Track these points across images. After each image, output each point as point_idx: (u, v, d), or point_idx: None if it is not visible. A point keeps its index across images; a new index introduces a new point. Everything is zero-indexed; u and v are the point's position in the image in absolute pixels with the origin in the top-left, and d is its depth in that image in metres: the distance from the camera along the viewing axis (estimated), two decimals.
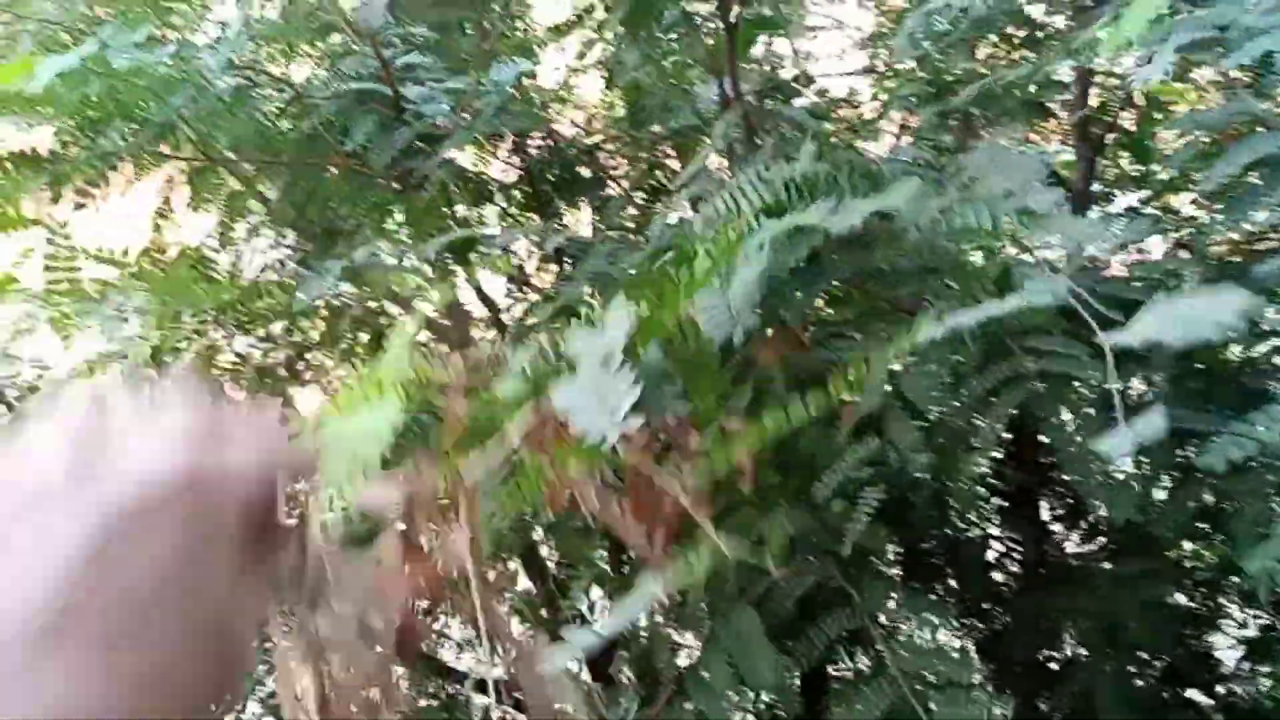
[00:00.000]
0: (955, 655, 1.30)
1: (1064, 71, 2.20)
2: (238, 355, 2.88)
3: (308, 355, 2.95)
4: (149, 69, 0.98)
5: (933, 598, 2.06)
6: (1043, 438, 2.01)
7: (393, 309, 2.58)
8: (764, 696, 1.58)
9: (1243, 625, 2.28)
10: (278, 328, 2.84)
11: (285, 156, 1.49)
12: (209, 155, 1.35)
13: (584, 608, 2.04)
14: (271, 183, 1.80)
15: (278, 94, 1.49)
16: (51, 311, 1.01)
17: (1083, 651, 2.12)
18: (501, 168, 2.05)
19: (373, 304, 2.57)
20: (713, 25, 1.33)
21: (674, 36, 1.46)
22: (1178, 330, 0.50)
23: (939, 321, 0.65)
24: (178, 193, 2.40)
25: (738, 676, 1.25)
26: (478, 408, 0.60)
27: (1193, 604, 2.25)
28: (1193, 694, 2.21)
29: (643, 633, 1.69)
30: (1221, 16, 1.03)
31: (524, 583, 2.35)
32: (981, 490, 1.84)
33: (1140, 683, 2.10)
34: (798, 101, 1.64)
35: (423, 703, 2.45)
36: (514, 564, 2.36)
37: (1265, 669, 2.25)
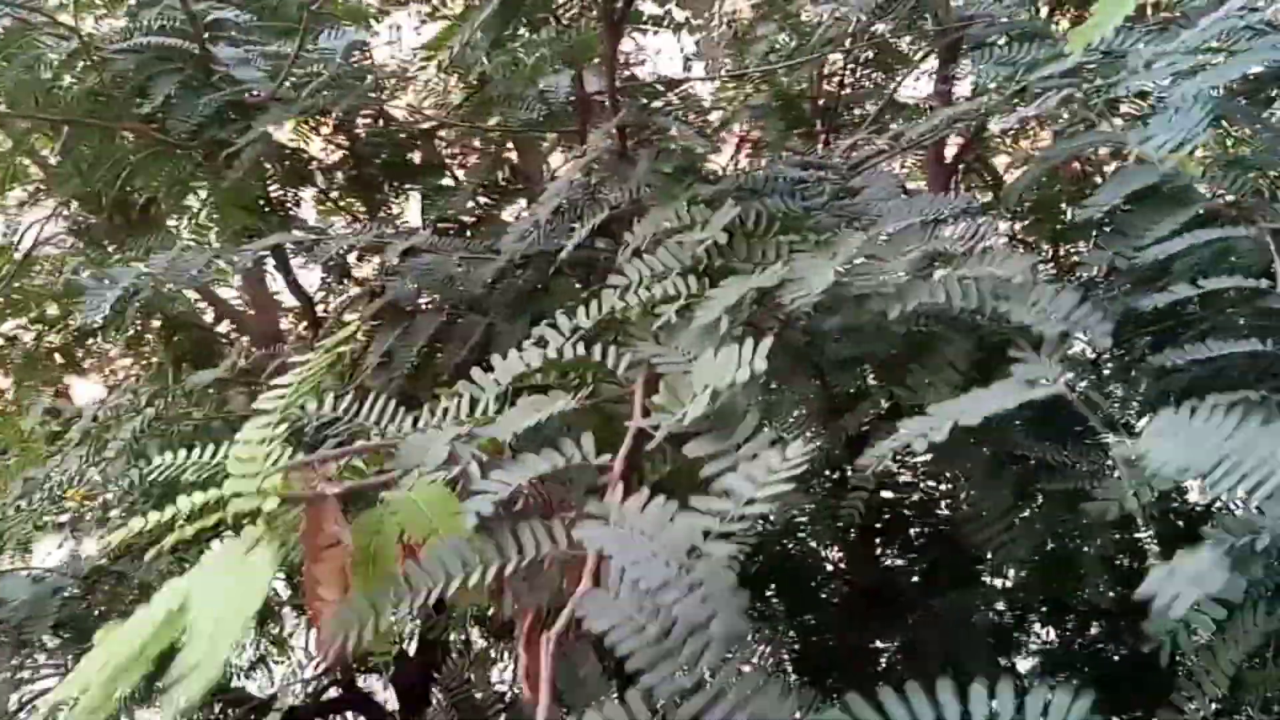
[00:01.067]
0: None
1: (908, 95, 2.24)
2: (5, 338, 2.59)
3: (89, 341, 2.67)
4: None
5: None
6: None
7: (190, 294, 2.35)
8: None
9: (1047, 643, 2.37)
10: (54, 310, 2.56)
11: (67, 114, 1.28)
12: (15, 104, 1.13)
13: None
14: (56, 145, 1.56)
15: (63, 42, 1.28)
16: None
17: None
18: (322, 146, 1.88)
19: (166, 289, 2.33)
20: (582, 19, 1.23)
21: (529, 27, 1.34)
22: None
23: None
24: None
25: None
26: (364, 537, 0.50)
27: (1000, 623, 2.32)
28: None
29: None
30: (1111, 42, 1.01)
31: None
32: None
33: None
34: (655, 104, 1.56)
35: None
36: None
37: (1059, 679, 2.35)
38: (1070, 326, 0.70)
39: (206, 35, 1.33)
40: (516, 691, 1.78)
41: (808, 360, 1.07)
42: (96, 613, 1.83)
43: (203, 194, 1.54)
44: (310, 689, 2.49)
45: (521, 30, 1.41)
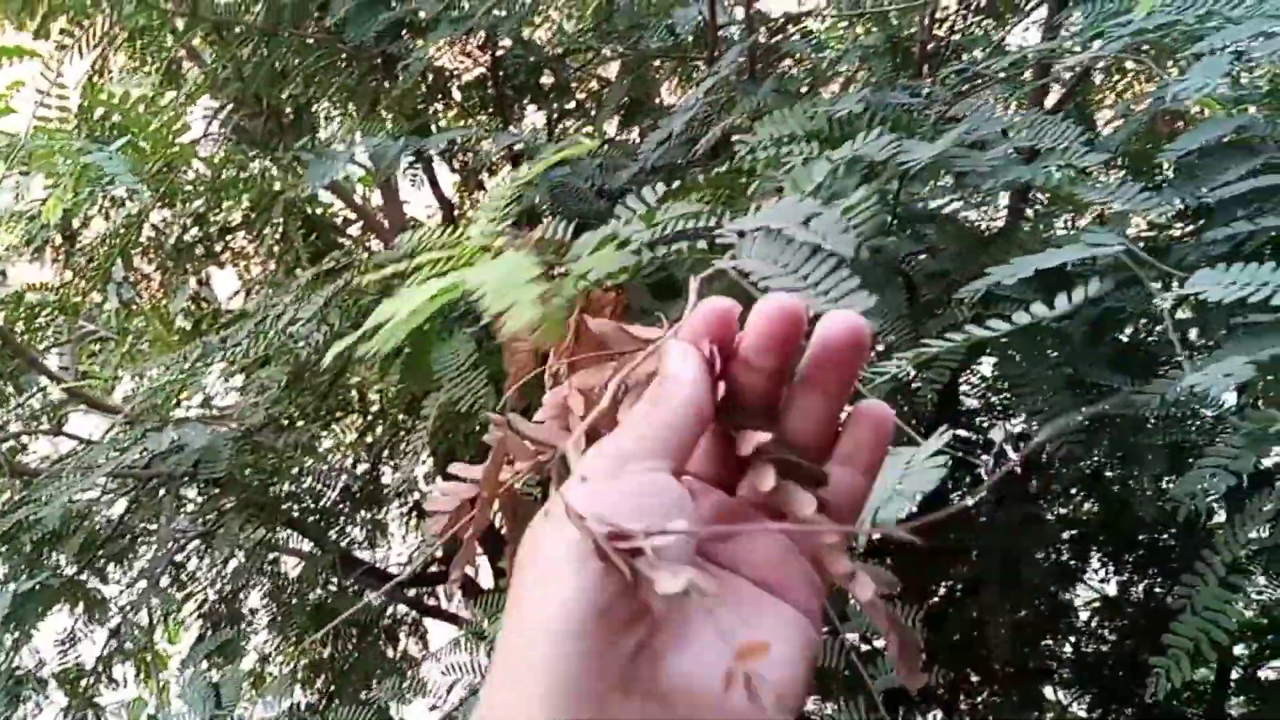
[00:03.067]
0: None
1: (1016, 42, 2.30)
2: (155, 229, 2.79)
3: (228, 237, 2.87)
4: None
5: None
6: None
7: (326, 196, 2.55)
8: None
9: (1104, 581, 2.47)
10: (199, 204, 2.76)
11: (257, 22, 1.45)
12: (196, 12, 1.30)
13: None
14: (224, 51, 1.74)
15: None
16: (43, 150, 0.98)
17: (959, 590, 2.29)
18: (458, 63, 2.03)
19: (303, 191, 2.52)
20: None
21: None
22: None
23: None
24: (113, 53, 2.30)
25: None
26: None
27: (1061, 559, 2.41)
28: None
29: None
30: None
31: None
32: None
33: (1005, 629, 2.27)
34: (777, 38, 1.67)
35: None
36: None
37: (1112, 625, 2.45)
38: (1132, 206, 0.83)
39: None
40: None
41: (901, 274, 1.21)
42: (236, 473, 2.06)
43: (359, 103, 1.72)
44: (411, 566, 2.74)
45: None
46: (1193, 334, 1.79)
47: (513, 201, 0.82)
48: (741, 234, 0.65)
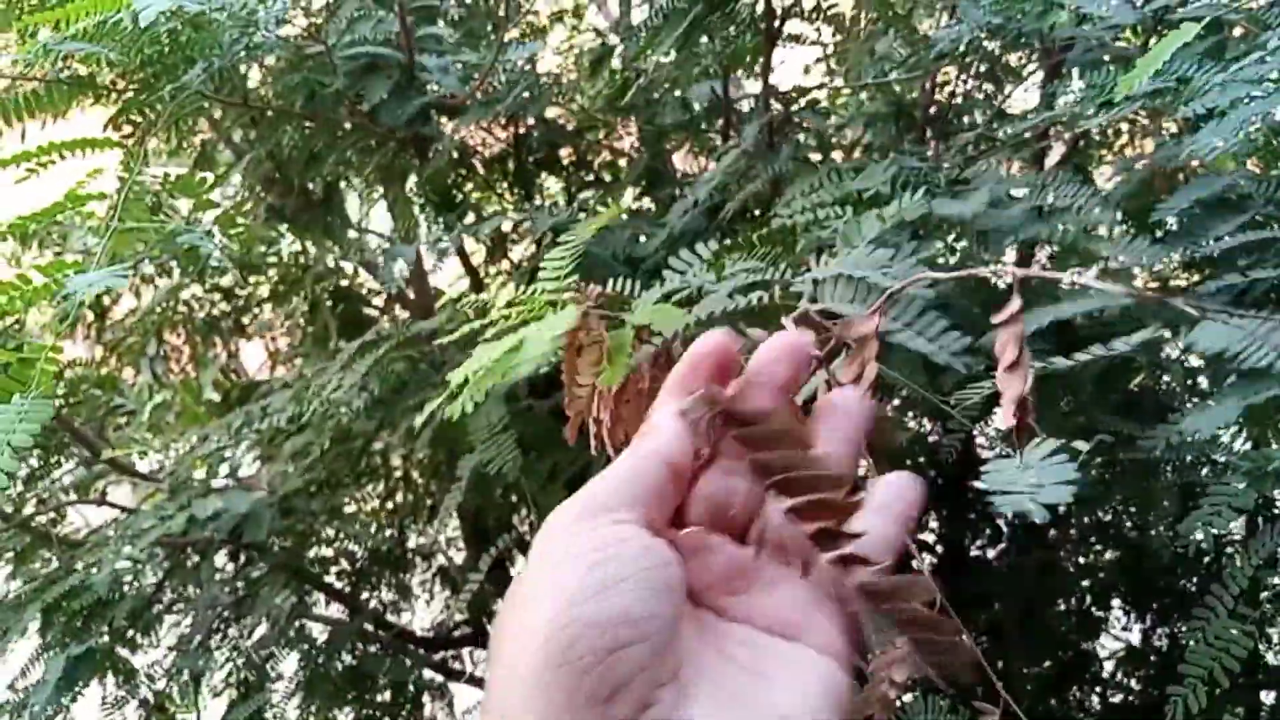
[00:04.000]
0: None
1: (1015, 105, 2.38)
2: (185, 304, 2.88)
3: (255, 310, 2.96)
4: (210, 14, 1.04)
5: None
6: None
7: (350, 267, 2.63)
8: None
9: (1125, 629, 2.48)
10: (227, 280, 2.85)
11: (297, 109, 1.54)
12: (247, 102, 1.39)
13: None
14: (262, 134, 1.84)
15: (295, 47, 1.54)
16: (123, 229, 1.05)
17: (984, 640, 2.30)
18: (481, 141, 2.12)
19: (332, 264, 2.61)
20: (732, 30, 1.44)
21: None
22: None
23: None
24: (151, 137, 2.41)
25: None
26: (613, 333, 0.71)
27: (1082, 607, 2.43)
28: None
29: None
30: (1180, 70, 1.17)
31: None
32: None
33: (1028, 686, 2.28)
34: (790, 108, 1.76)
35: None
36: None
37: (1137, 674, 2.46)
38: (1138, 257, 0.89)
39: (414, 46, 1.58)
40: None
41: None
42: (273, 543, 2.11)
43: (390, 182, 1.81)
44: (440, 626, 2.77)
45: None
46: (1203, 382, 1.85)
47: (575, 258, 0.89)
48: (817, 282, 0.72)
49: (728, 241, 0.94)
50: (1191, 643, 0.81)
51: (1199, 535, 0.79)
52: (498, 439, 1.27)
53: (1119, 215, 2.08)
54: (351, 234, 2.28)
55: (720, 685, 0.35)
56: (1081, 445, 0.89)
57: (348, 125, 1.56)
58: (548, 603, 0.35)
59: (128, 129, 1.20)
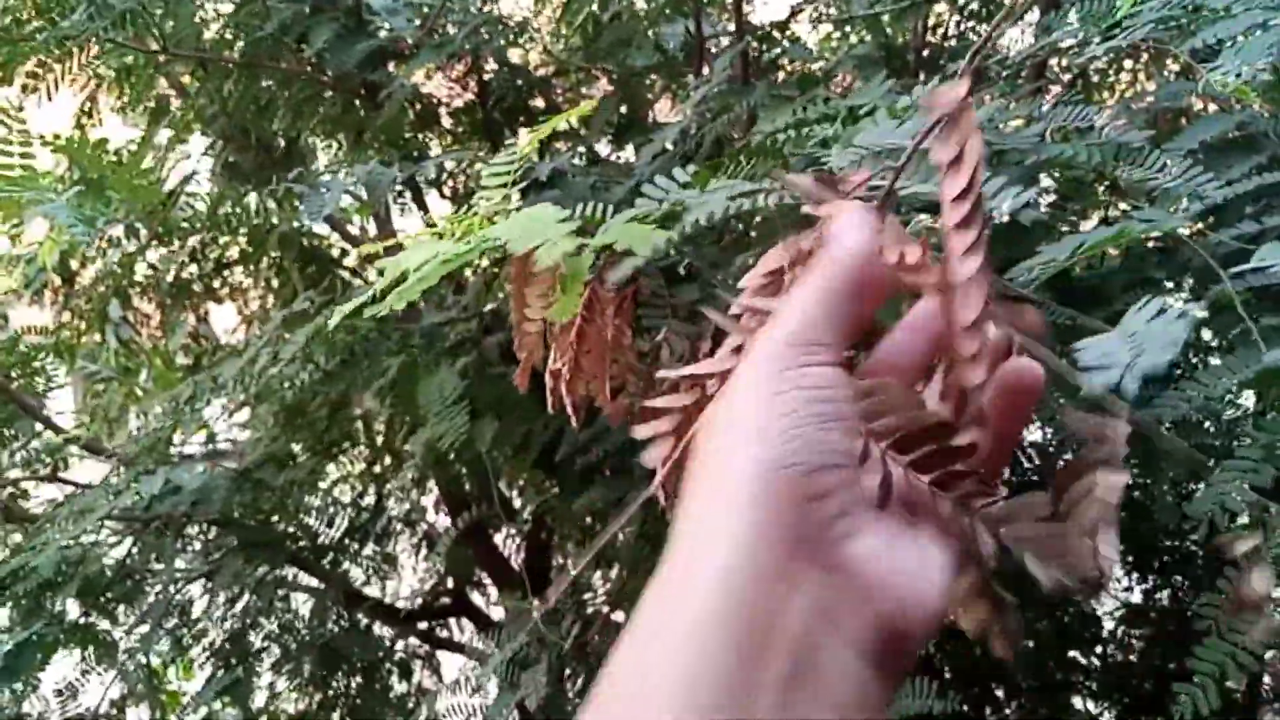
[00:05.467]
0: None
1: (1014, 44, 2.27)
2: (152, 267, 2.79)
3: (225, 273, 2.86)
4: None
5: None
6: None
7: (321, 228, 2.53)
8: None
9: (1127, 589, 2.42)
10: (195, 241, 2.75)
11: (237, 57, 1.43)
12: (167, 48, 1.29)
13: None
14: (208, 86, 1.73)
15: None
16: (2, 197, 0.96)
17: None
18: (448, 90, 2.01)
19: (299, 224, 2.50)
20: None
21: None
22: None
23: None
24: (102, 93, 2.30)
25: None
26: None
27: None
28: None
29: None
30: None
31: None
32: None
33: (1030, 642, 2.23)
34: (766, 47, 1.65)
35: None
36: None
37: (1137, 632, 2.41)
38: (1180, 184, 0.80)
39: None
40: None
41: None
42: (236, 513, 2.04)
43: (346, 134, 1.70)
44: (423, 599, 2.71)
45: None
46: (1205, 334, 1.76)
47: (521, 168, 0.79)
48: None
49: (709, 162, 0.84)
50: (1206, 634, 0.72)
51: (1208, 514, 0.71)
52: (450, 411, 1.18)
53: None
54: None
55: (884, 522, 0.39)
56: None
57: (293, 74, 1.45)
58: (772, 420, 0.38)
59: (33, 83, 1.09)
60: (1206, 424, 1.47)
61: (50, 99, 1.11)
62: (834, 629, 0.36)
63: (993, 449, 0.42)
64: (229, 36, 1.57)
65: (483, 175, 0.81)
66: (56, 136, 1.07)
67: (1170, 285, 1.60)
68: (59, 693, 1.93)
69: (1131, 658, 2.41)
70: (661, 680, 0.34)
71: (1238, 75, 0.80)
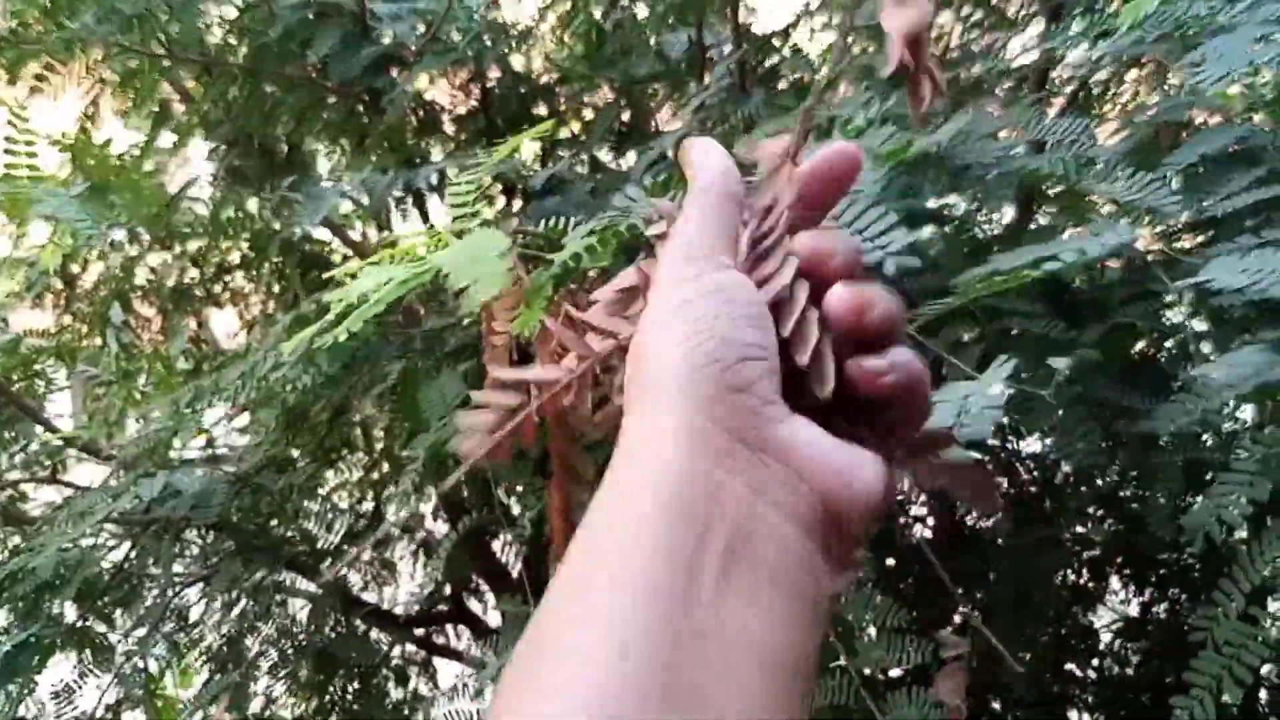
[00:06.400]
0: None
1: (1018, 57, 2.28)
2: (153, 271, 2.79)
3: (227, 277, 2.86)
4: None
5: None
6: None
7: (323, 233, 2.53)
8: None
9: (1124, 602, 2.42)
10: (195, 246, 2.75)
11: (241, 62, 1.44)
12: (173, 53, 1.29)
13: None
14: (212, 91, 1.73)
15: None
16: (8, 195, 0.96)
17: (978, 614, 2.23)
18: (451, 97, 2.02)
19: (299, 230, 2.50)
20: None
21: None
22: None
23: None
24: (106, 96, 2.30)
25: None
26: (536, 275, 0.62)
27: (1080, 581, 2.37)
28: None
29: None
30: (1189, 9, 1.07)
31: None
32: None
33: (1027, 654, 2.22)
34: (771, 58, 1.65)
35: None
36: None
37: (1134, 645, 2.40)
38: (1143, 199, 0.80)
39: None
40: None
41: (900, 290, 1.18)
42: (234, 518, 2.04)
43: (349, 140, 1.70)
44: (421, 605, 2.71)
45: None
46: (1206, 348, 1.76)
47: (479, 189, 0.80)
48: None
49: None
50: (1201, 646, 0.72)
51: (1205, 529, 0.71)
52: (452, 417, 1.18)
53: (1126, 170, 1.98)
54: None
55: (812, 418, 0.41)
56: (1060, 363, 0.81)
57: (297, 80, 1.45)
58: (686, 326, 0.41)
59: (41, 85, 1.10)
60: (1205, 437, 1.47)
61: (56, 101, 1.11)
62: (770, 503, 0.38)
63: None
64: (233, 41, 1.57)
65: (448, 191, 0.82)
66: (64, 136, 1.07)
67: (1171, 298, 1.60)
68: (55, 695, 1.92)
69: (1128, 671, 2.40)
70: (610, 574, 0.35)
71: (1221, 79, 0.80)
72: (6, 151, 1.01)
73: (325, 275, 2.33)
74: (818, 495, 0.38)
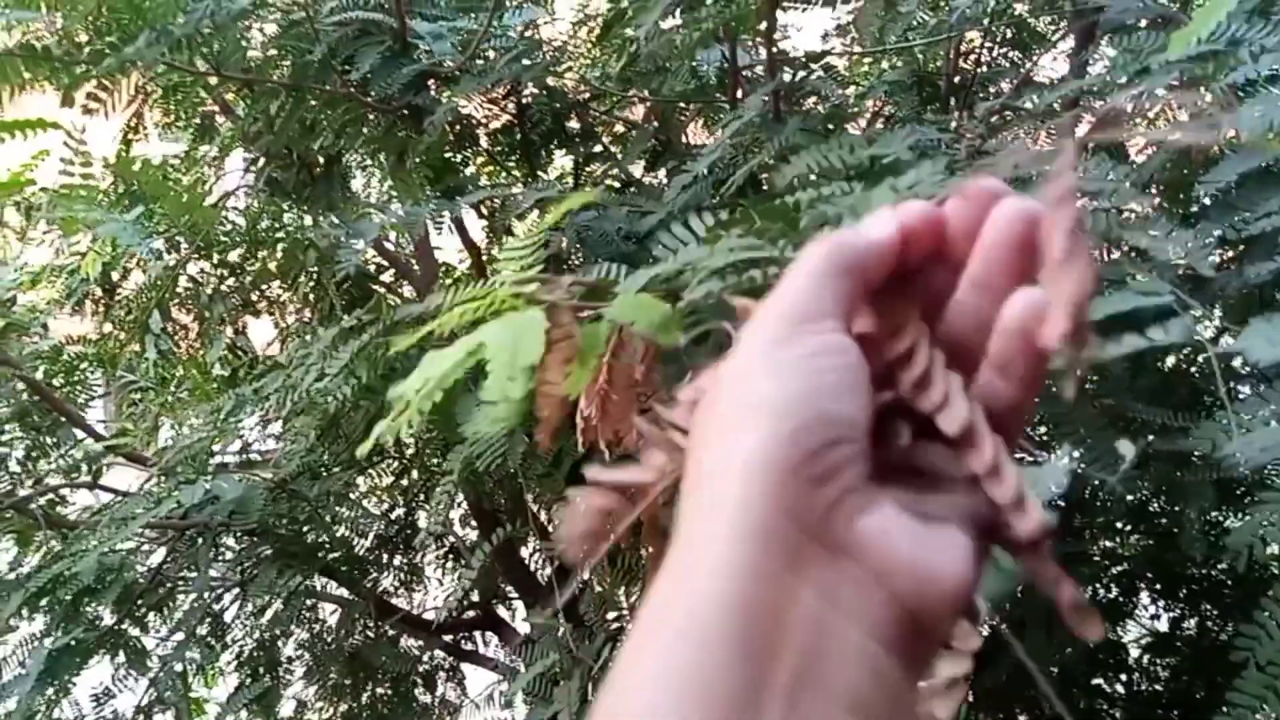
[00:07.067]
0: None
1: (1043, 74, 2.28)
2: (191, 279, 2.83)
3: (263, 287, 2.90)
4: None
5: None
6: None
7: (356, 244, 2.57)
8: None
9: (1154, 618, 2.41)
10: (234, 256, 2.79)
11: (285, 79, 1.47)
12: (220, 70, 1.33)
13: None
14: (255, 107, 1.77)
15: (283, 14, 1.47)
16: (64, 212, 0.99)
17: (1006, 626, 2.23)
18: (484, 112, 2.05)
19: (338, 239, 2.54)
20: None
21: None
22: None
23: None
24: (147, 111, 2.35)
25: None
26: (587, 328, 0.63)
27: (1110, 595, 2.36)
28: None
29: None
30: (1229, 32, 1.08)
31: None
32: None
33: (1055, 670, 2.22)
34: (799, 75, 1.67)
35: None
36: None
37: (1164, 661, 2.39)
38: (1180, 253, 0.81)
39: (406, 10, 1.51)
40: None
41: None
42: (271, 521, 2.07)
43: (388, 154, 1.74)
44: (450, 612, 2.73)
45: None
46: (1236, 362, 1.75)
47: (538, 247, 0.82)
48: None
49: (724, 216, 0.86)
50: (1243, 667, 0.73)
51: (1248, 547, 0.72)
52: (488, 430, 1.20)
53: (1154, 191, 1.99)
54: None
55: (896, 496, 0.37)
56: (1127, 448, 0.81)
57: (339, 96, 1.49)
58: (777, 395, 0.36)
59: (95, 105, 1.13)
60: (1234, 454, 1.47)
61: (108, 119, 1.15)
62: (844, 614, 0.34)
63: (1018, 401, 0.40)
64: (274, 55, 1.60)
65: (500, 256, 0.83)
66: (120, 156, 1.11)
67: (1198, 314, 1.60)
68: (96, 698, 1.96)
69: (1157, 686, 2.38)
70: (661, 687, 0.32)
71: (1265, 126, 0.81)
72: (62, 172, 1.04)
73: (364, 293, 2.37)
74: (897, 599, 0.34)
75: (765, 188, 1.28)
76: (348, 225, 1.47)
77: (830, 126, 1.28)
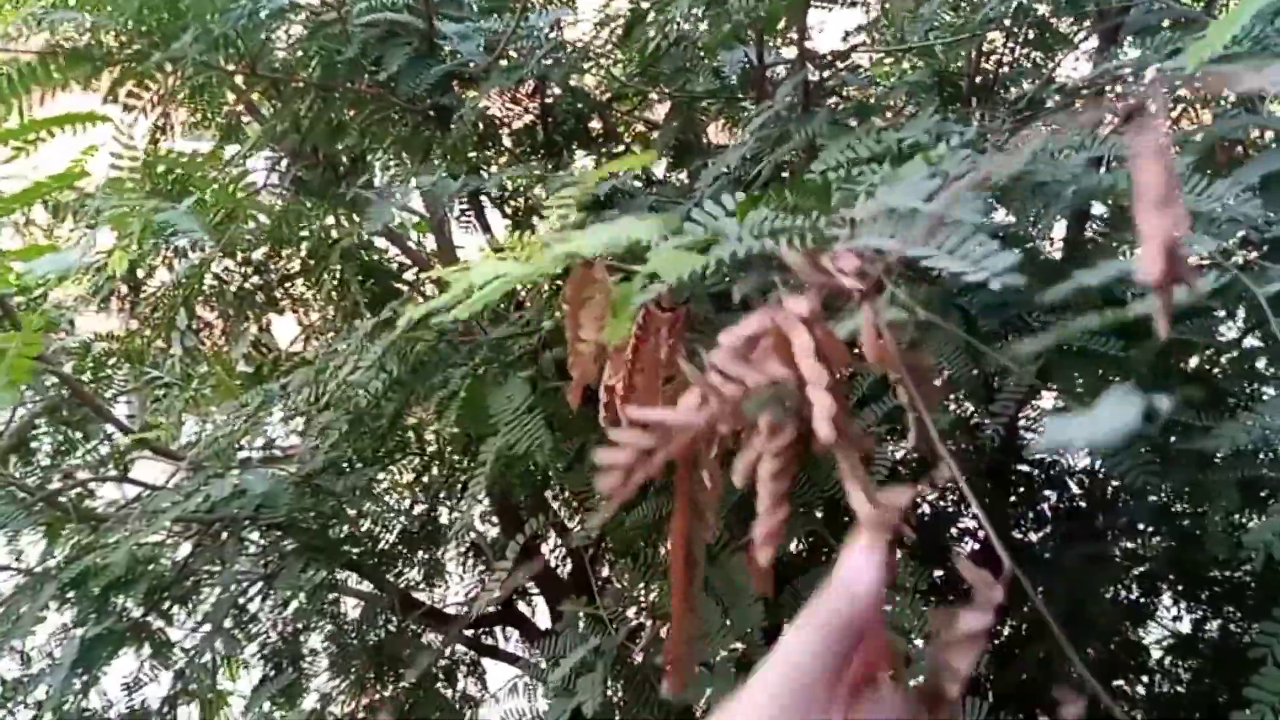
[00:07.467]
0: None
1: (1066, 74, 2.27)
2: (216, 278, 2.86)
3: (288, 284, 2.93)
4: None
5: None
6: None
7: (381, 242, 2.59)
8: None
9: (1176, 619, 2.40)
10: (259, 254, 2.82)
11: (314, 79, 1.49)
12: (255, 69, 1.35)
13: None
14: (282, 106, 1.79)
15: (311, 15, 1.49)
16: (117, 209, 1.01)
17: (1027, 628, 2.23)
18: (506, 111, 2.06)
19: (362, 237, 2.56)
20: None
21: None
22: None
23: None
24: (174, 108, 2.38)
25: (725, 618, 1.31)
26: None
27: (1131, 597, 2.35)
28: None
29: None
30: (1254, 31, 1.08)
31: None
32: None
33: (1074, 673, 2.21)
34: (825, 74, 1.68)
35: None
36: None
37: (1186, 663, 2.38)
38: (1227, 208, 0.81)
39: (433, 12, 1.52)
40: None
41: (958, 306, 1.21)
42: (296, 516, 2.09)
43: (412, 154, 1.75)
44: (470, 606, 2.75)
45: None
46: (1260, 364, 1.75)
47: (580, 200, 0.82)
48: (854, 222, 0.64)
49: (757, 193, 0.86)
50: (1261, 663, 0.73)
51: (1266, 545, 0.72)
52: (522, 420, 1.21)
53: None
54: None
55: None
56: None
57: (364, 96, 1.51)
58: None
59: (135, 102, 1.15)
60: (1260, 454, 1.47)
61: (146, 115, 1.17)
62: None
63: None
64: (302, 55, 1.62)
65: (547, 199, 0.84)
66: (170, 152, 1.13)
67: (1222, 314, 1.59)
68: (126, 688, 1.99)
69: (1179, 688, 2.38)
70: None
71: None
72: (112, 166, 1.06)
73: (387, 291, 2.39)
74: None
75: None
76: (375, 195, 1.49)
77: (855, 123, 1.29)
